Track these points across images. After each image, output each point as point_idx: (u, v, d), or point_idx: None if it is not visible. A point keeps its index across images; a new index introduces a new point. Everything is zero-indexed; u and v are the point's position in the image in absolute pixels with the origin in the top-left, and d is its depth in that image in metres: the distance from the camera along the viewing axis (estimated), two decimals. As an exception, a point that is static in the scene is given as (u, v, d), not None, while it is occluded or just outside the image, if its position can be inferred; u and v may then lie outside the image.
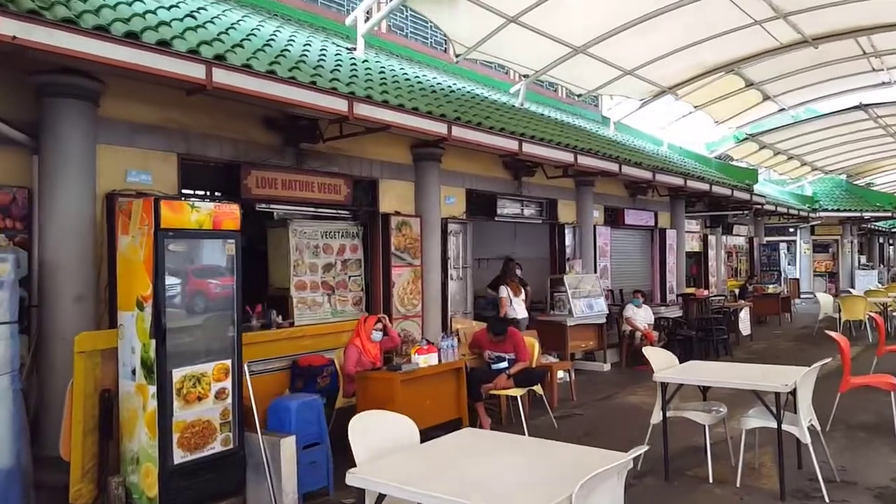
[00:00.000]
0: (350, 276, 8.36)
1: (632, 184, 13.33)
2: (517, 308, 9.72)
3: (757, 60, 12.28)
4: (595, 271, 12.22)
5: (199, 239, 5.09)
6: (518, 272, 11.35)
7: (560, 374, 8.91)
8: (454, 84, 10.60)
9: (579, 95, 12.70)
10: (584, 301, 10.68)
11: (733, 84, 13.90)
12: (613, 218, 13.30)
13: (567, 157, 9.29)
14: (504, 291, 10.03)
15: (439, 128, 7.16)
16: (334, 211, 8.01)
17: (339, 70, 7.14)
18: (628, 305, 11.48)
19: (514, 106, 11.04)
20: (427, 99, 7.86)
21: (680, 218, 15.48)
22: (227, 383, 5.20)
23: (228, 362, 5.23)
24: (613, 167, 10.34)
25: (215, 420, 5.13)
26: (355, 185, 8.01)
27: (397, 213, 8.51)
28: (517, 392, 6.87)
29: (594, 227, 12.33)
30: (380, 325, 6.71)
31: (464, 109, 8.24)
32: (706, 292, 15.15)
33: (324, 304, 8.04)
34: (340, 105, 6.01)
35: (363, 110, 6.21)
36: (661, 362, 5.77)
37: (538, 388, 7.17)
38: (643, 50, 11.03)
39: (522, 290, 9.91)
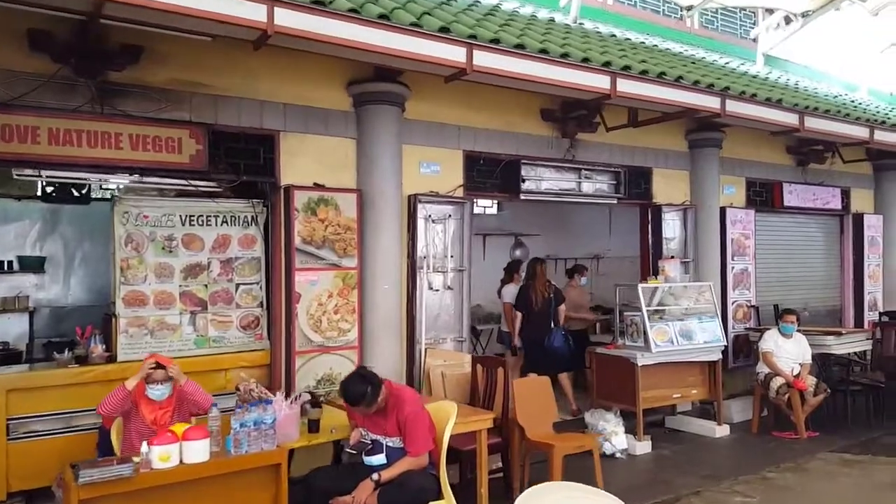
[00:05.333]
0: (239, 285, 5.43)
1: (803, 144, 8.79)
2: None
3: None
4: (723, 276, 8.03)
5: None
6: (582, 279, 7.77)
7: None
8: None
9: (689, 8, 8.46)
10: (678, 325, 6.67)
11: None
12: (763, 196, 8.84)
13: (595, 80, 5.36)
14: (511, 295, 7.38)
15: (251, 12, 3.87)
16: (179, 181, 5.15)
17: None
18: (768, 334, 7.16)
19: (552, 22, 7.17)
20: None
21: (890, 197, 10.36)
22: None
23: None
24: (709, 102, 6.09)
25: None
26: (218, 140, 5.06)
27: (318, 187, 5.42)
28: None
29: (723, 209, 8.11)
30: (158, 374, 3.67)
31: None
32: (932, 309, 9.91)
33: (181, 329, 5.18)
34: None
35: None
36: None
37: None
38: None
39: None
